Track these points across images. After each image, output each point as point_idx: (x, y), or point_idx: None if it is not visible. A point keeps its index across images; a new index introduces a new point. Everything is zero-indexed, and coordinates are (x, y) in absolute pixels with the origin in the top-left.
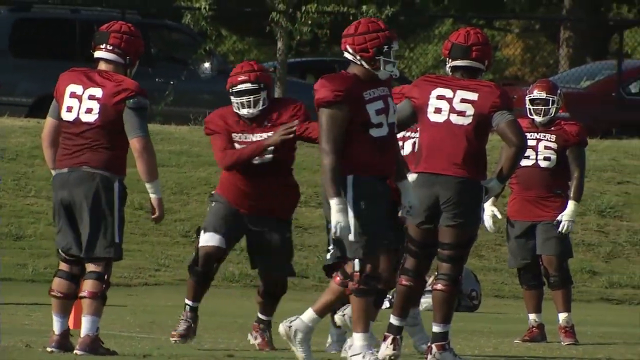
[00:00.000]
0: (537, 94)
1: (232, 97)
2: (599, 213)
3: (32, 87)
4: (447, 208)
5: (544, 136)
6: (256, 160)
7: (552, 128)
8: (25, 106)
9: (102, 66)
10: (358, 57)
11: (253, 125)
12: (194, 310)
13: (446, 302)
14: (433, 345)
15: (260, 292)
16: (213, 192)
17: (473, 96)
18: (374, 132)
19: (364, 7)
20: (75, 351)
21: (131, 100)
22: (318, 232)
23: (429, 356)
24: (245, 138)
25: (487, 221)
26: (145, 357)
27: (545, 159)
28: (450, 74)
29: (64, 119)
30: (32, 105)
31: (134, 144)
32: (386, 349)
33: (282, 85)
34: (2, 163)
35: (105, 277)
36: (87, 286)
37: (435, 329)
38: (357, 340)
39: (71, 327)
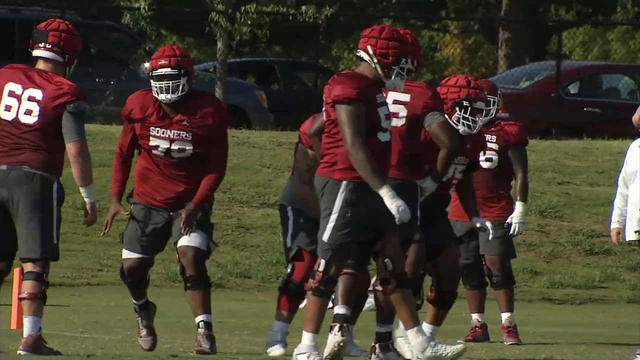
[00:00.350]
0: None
1: (151, 81)
2: (539, 213)
3: None
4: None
5: (486, 137)
6: (175, 155)
7: (492, 129)
8: None
9: (41, 65)
10: (375, 60)
11: (172, 119)
12: (142, 307)
13: (388, 302)
14: (377, 345)
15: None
16: (130, 192)
17: (405, 97)
18: (381, 137)
19: (303, 8)
20: (18, 351)
21: (71, 105)
22: (260, 232)
23: (373, 356)
24: (163, 133)
25: None
26: (89, 357)
27: (487, 160)
28: None
29: (2, 117)
30: None
31: (70, 148)
32: (334, 336)
33: (222, 85)
34: None
35: (44, 276)
36: (27, 287)
37: (378, 329)
38: (305, 339)
39: (13, 327)
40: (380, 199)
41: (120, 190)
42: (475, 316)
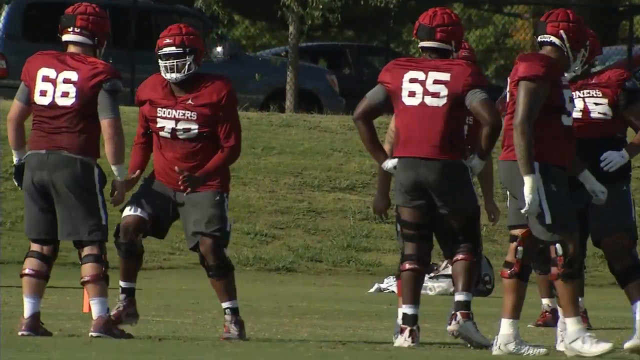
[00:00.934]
0: None
1: (159, 61)
2: None
3: None
4: (436, 194)
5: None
6: (181, 135)
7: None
8: None
9: (72, 49)
10: (568, 45)
11: (178, 99)
12: (126, 291)
13: (467, 270)
14: (458, 313)
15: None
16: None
17: (445, 76)
18: (565, 120)
19: None
20: (90, 334)
21: (108, 83)
22: (331, 217)
23: (453, 322)
24: (169, 114)
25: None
26: (161, 341)
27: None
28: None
29: (38, 102)
30: None
31: (105, 125)
32: (404, 341)
33: (294, 70)
34: None
35: (102, 257)
36: (87, 270)
37: (459, 297)
38: (570, 325)
39: (86, 310)
40: (566, 184)
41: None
42: (545, 301)
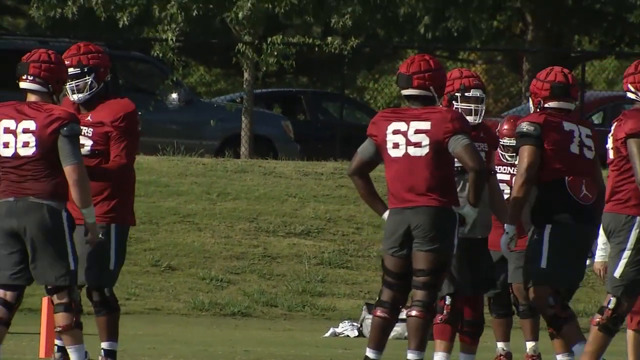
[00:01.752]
0: (507, 141)
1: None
2: None
3: None
4: (418, 233)
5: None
6: (84, 152)
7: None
8: None
9: (30, 97)
10: None
11: (82, 117)
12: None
13: (421, 328)
14: None
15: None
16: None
17: (426, 125)
18: None
19: (329, 39)
20: None
21: (65, 128)
22: (286, 262)
23: None
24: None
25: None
26: None
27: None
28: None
29: (2, 155)
30: None
31: (69, 171)
32: None
33: (249, 116)
34: None
35: (72, 305)
36: (59, 320)
37: (410, 356)
38: None
39: (42, 355)
40: None
41: None
42: (500, 344)
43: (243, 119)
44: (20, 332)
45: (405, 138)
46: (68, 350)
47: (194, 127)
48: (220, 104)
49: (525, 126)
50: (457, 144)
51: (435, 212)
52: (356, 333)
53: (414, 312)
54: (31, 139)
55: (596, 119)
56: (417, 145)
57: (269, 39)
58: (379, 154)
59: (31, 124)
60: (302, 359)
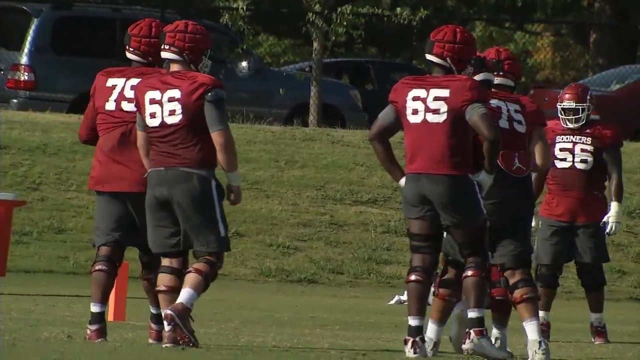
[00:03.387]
0: (567, 104)
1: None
2: (628, 214)
3: (74, 83)
4: (441, 207)
5: (580, 139)
6: None
7: (588, 130)
8: (67, 102)
9: (174, 67)
10: None
11: None
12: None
13: (477, 286)
14: (471, 331)
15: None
16: None
17: (445, 92)
18: None
19: (398, 9)
20: (166, 311)
21: (209, 94)
22: (353, 229)
23: (467, 341)
24: None
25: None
26: (184, 349)
27: (582, 161)
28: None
29: (150, 125)
30: (74, 101)
31: (216, 137)
32: (407, 352)
33: (317, 85)
34: (44, 157)
35: (217, 265)
36: (196, 265)
37: (471, 314)
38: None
39: (110, 319)
40: None
41: None
42: (541, 313)
43: (312, 88)
44: (89, 296)
45: (424, 104)
46: (182, 290)
47: (263, 96)
48: (289, 73)
49: None
50: (474, 112)
51: (451, 182)
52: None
53: (469, 272)
54: (177, 106)
55: None
56: (436, 112)
57: (339, 9)
58: (399, 120)
59: (176, 92)
60: (367, 326)
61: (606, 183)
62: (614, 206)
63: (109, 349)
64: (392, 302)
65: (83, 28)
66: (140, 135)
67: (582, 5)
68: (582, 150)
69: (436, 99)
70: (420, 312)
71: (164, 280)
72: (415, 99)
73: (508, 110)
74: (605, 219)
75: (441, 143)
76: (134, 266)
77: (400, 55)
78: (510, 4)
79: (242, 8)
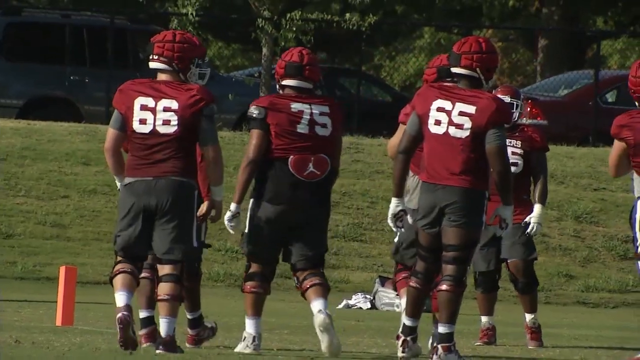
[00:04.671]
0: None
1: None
2: (575, 218)
3: (23, 89)
4: (449, 211)
5: (510, 142)
6: None
7: (517, 133)
8: (16, 108)
9: (161, 76)
10: None
11: None
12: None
13: (451, 302)
14: (439, 346)
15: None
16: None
17: (471, 109)
18: None
19: (347, 15)
20: (157, 351)
21: (207, 108)
22: None
23: (434, 356)
24: None
25: None
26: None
27: (513, 164)
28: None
29: (137, 131)
30: (23, 106)
31: (209, 151)
32: (398, 349)
33: (267, 90)
34: None
35: (181, 279)
36: (165, 289)
37: (441, 329)
38: None
39: (58, 324)
40: None
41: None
42: (485, 319)
43: (261, 93)
44: (37, 301)
45: (449, 117)
46: (161, 320)
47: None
48: (238, 79)
49: (251, 110)
50: (492, 141)
51: (465, 193)
52: (369, 305)
53: (444, 287)
54: (173, 117)
55: (610, 96)
56: (459, 126)
57: (288, 15)
58: (422, 128)
59: (172, 103)
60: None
61: (531, 188)
62: (537, 208)
63: (56, 353)
64: (340, 306)
65: (33, 34)
66: (113, 133)
67: (530, 11)
68: (513, 153)
69: (461, 114)
70: (415, 315)
71: (124, 281)
72: (440, 109)
73: (312, 114)
74: (527, 219)
75: (461, 158)
76: (82, 271)
77: (349, 61)
78: (459, 9)
79: (192, 14)
